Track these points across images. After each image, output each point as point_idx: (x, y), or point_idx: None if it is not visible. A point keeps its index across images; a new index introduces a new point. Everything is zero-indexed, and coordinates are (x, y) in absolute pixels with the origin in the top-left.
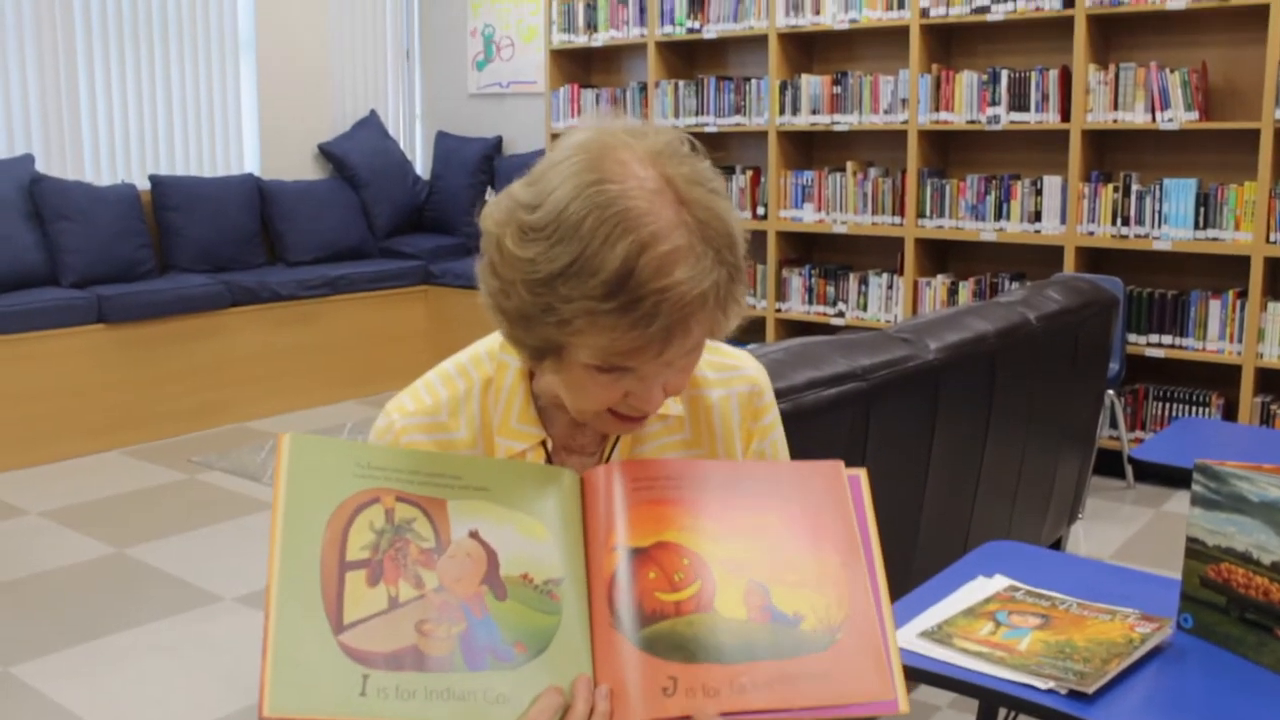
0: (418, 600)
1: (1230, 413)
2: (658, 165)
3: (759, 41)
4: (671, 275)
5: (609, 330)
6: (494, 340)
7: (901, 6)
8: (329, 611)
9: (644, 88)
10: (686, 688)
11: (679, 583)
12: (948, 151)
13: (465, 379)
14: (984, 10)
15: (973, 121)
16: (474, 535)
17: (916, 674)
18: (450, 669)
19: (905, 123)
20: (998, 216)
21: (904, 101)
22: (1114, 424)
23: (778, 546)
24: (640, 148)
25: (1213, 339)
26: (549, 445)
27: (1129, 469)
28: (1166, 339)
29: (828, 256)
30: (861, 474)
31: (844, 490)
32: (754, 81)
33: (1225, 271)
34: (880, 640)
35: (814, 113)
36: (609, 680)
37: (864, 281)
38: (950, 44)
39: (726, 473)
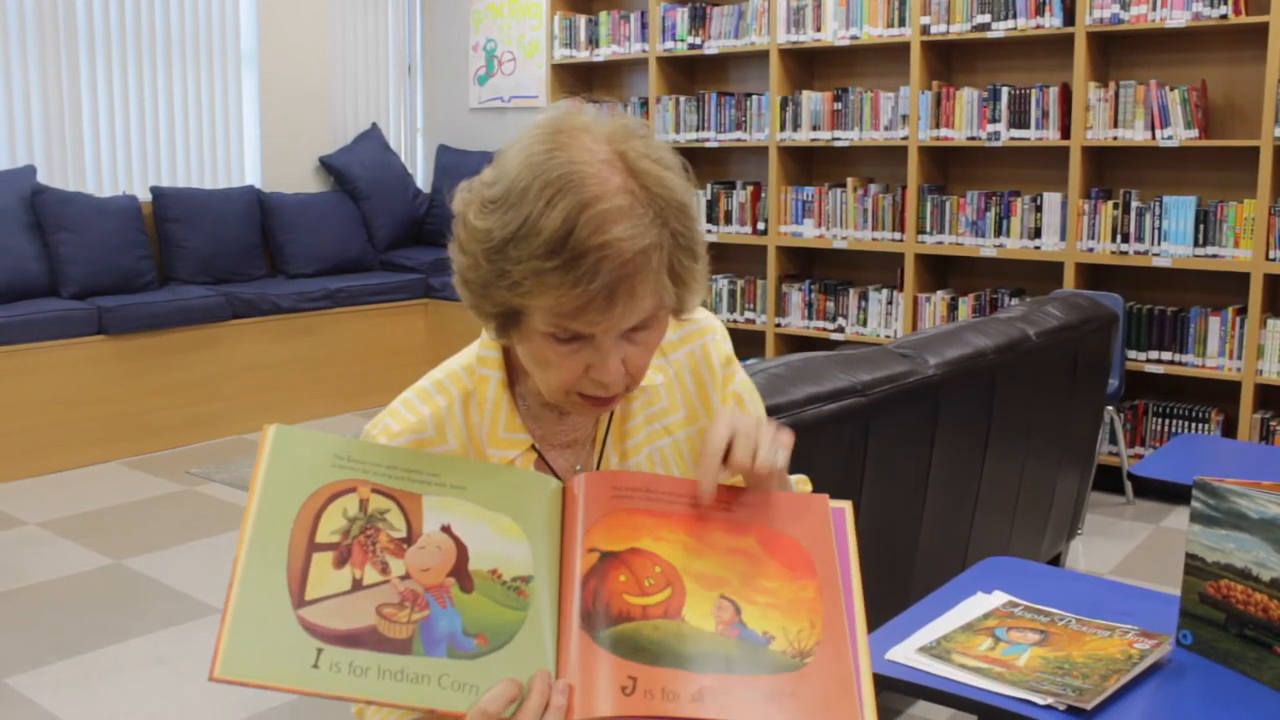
0: (382, 585)
1: (1230, 429)
2: (613, 142)
3: (760, 57)
4: (610, 232)
5: (555, 289)
6: (468, 355)
7: (902, 23)
8: (292, 586)
9: (645, 103)
10: (645, 689)
11: (649, 588)
12: (948, 168)
13: (445, 395)
14: (984, 28)
15: (973, 138)
16: (446, 529)
17: (915, 689)
18: (407, 652)
19: (906, 139)
20: (998, 233)
21: (904, 118)
22: (1113, 440)
23: (754, 568)
24: (598, 128)
25: (1212, 355)
26: (539, 447)
27: (1128, 485)
28: (1166, 355)
29: (828, 272)
30: (847, 507)
31: (828, 524)
32: (755, 97)
33: (1225, 288)
34: (851, 670)
35: (815, 128)
36: (570, 676)
37: (864, 297)
38: (951, 61)
39: (718, 493)
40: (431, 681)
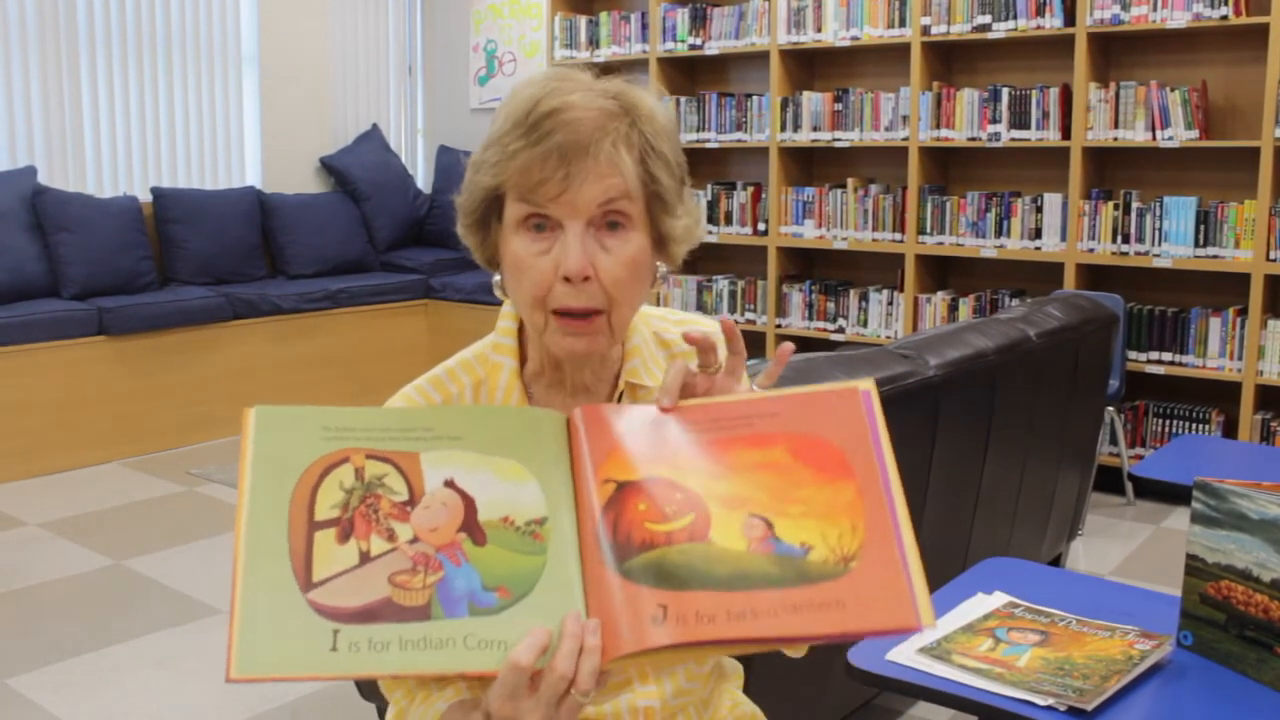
0: (390, 553)
1: (1230, 430)
2: (606, 82)
3: (760, 58)
4: (568, 99)
5: (519, 156)
6: (483, 344)
7: (903, 24)
8: (297, 571)
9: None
10: (677, 614)
11: (670, 514)
12: (948, 168)
13: (456, 382)
14: (985, 28)
15: (973, 139)
16: (449, 484)
17: (915, 690)
18: (426, 618)
19: (906, 139)
20: (998, 233)
21: (905, 118)
22: (1114, 440)
23: (785, 480)
24: (593, 77)
25: (1213, 356)
26: None
27: (1129, 486)
28: (1166, 356)
29: (828, 272)
30: (871, 388)
31: (861, 414)
32: (755, 98)
33: (1225, 289)
34: (900, 564)
35: (815, 129)
36: (599, 615)
37: (864, 298)
38: (951, 61)
39: (730, 410)
40: (457, 644)
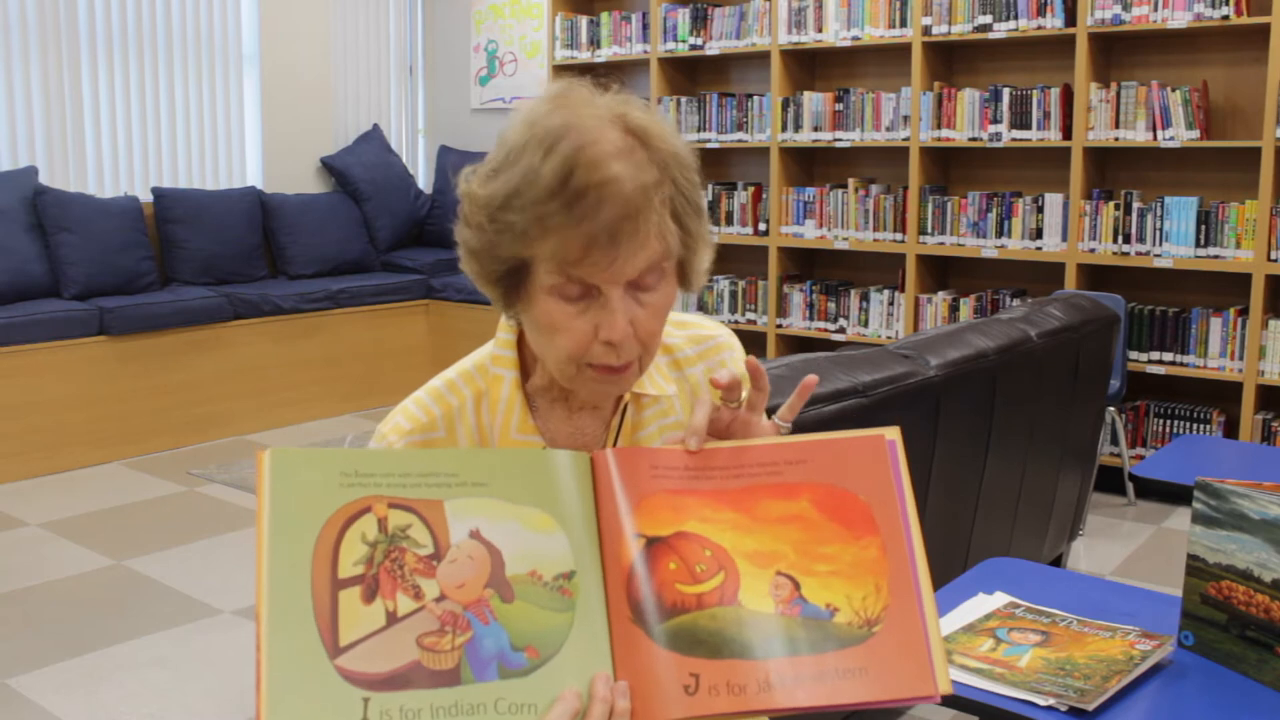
0: (418, 613)
1: (1231, 430)
2: (614, 108)
3: (761, 58)
4: (609, 169)
5: (558, 232)
6: (482, 354)
7: (904, 24)
8: (323, 634)
9: (646, 104)
10: (710, 685)
11: (701, 574)
12: (949, 168)
13: (457, 395)
14: (986, 29)
15: (974, 139)
16: (475, 535)
17: None
18: (457, 683)
19: (907, 140)
20: (999, 233)
21: (906, 119)
22: (1115, 441)
23: (811, 535)
24: (598, 98)
25: (1214, 356)
26: (550, 449)
27: (1130, 486)
28: (1168, 356)
29: (829, 273)
30: (897, 437)
31: (886, 463)
32: (756, 98)
33: (1226, 289)
34: (921, 629)
35: (816, 129)
36: (628, 677)
37: (865, 298)
38: (952, 62)
39: (757, 456)
40: (489, 710)
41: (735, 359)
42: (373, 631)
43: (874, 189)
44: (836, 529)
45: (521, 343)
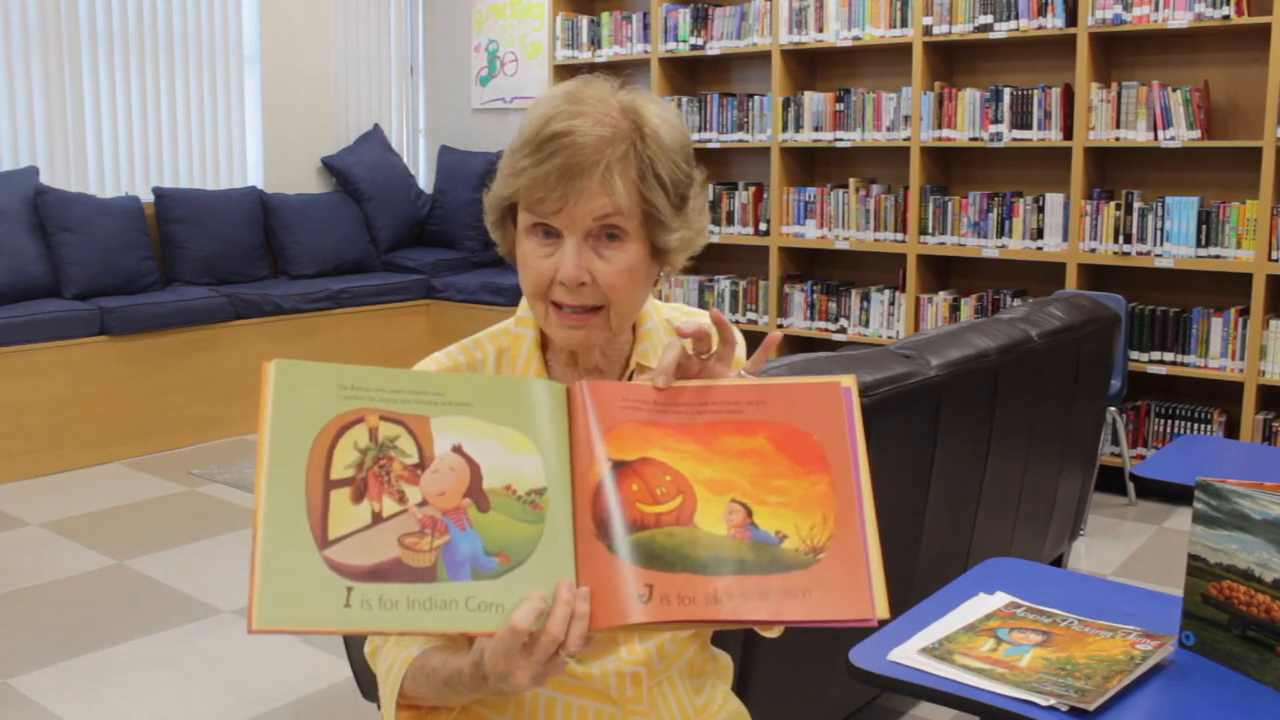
0: (401, 515)
1: (1232, 430)
2: (623, 96)
3: (762, 58)
4: (573, 124)
5: (526, 174)
6: (508, 321)
7: (904, 24)
8: (314, 528)
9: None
10: (662, 595)
11: (661, 496)
12: (950, 168)
13: (481, 349)
14: (986, 28)
15: (975, 139)
16: (457, 449)
17: (917, 690)
18: (433, 580)
19: (908, 140)
20: (1000, 233)
21: (906, 118)
22: (1115, 441)
23: (765, 468)
24: (618, 89)
25: (1215, 356)
26: None
27: (1130, 486)
28: (1168, 356)
29: (830, 273)
30: (853, 385)
31: (841, 409)
32: (757, 98)
33: (1227, 289)
34: (863, 559)
35: (817, 129)
36: (590, 584)
37: (866, 298)
38: (953, 62)
39: (721, 395)
40: (460, 606)
41: (737, 353)
42: (359, 528)
43: (875, 189)
44: (790, 464)
45: None
